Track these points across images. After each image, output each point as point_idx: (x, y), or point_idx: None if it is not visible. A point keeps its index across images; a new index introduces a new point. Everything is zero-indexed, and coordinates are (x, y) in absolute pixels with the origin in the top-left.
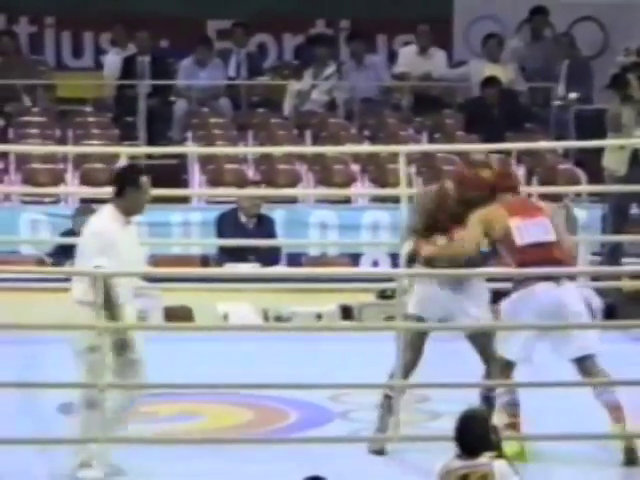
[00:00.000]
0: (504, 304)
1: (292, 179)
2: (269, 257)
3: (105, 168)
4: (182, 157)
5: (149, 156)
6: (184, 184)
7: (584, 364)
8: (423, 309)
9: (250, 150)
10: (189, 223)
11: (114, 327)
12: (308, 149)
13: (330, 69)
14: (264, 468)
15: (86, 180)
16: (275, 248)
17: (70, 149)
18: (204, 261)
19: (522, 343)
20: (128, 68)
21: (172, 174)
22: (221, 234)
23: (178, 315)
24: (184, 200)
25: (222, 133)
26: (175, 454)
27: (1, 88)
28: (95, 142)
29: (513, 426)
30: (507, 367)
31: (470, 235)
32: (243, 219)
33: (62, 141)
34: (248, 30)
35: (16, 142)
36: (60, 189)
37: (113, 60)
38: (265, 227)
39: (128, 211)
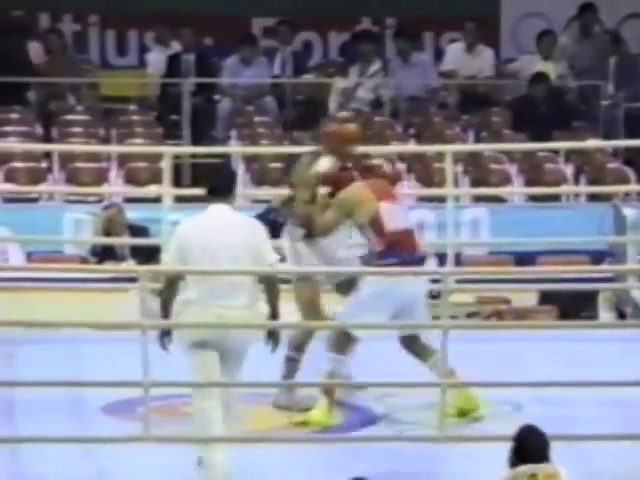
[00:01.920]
0: (365, 283)
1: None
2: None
3: (149, 167)
4: (226, 156)
5: (193, 155)
6: None
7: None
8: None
9: (294, 150)
10: None
11: (159, 325)
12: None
13: (376, 67)
14: (309, 469)
15: (130, 179)
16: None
17: (114, 148)
18: None
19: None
20: (172, 66)
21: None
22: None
23: None
24: None
25: (267, 132)
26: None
27: (46, 87)
28: (139, 141)
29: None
30: (349, 341)
31: (330, 219)
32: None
33: (106, 140)
34: (293, 28)
35: (60, 141)
36: (104, 188)
37: (157, 58)
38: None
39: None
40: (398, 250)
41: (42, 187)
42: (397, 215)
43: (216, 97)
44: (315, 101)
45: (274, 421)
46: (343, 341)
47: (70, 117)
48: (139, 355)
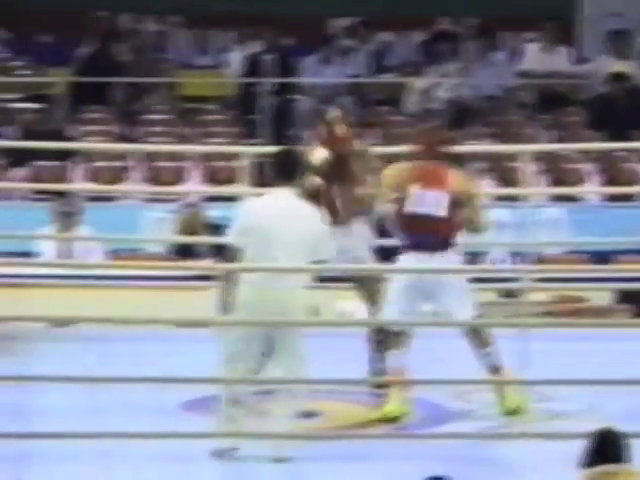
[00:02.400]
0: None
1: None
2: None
3: (228, 166)
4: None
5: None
6: None
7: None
8: None
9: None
10: None
11: (231, 323)
12: None
13: (454, 66)
14: (385, 467)
15: (209, 178)
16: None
17: (193, 147)
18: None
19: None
20: (252, 66)
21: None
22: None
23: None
24: None
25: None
26: (296, 451)
27: (127, 87)
28: (218, 140)
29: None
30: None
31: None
32: None
33: (186, 139)
34: (372, 28)
35: (141, 141)
36: (183, 187)
37: (237, 58)
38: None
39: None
40: (410, 233)
41: (123, 186)
42: (424, 200)
43: (295, 97)
44: (393, 100)
45: (351, 418)
46: (391, 339)
47: (151, 117)
48: (218, 352)
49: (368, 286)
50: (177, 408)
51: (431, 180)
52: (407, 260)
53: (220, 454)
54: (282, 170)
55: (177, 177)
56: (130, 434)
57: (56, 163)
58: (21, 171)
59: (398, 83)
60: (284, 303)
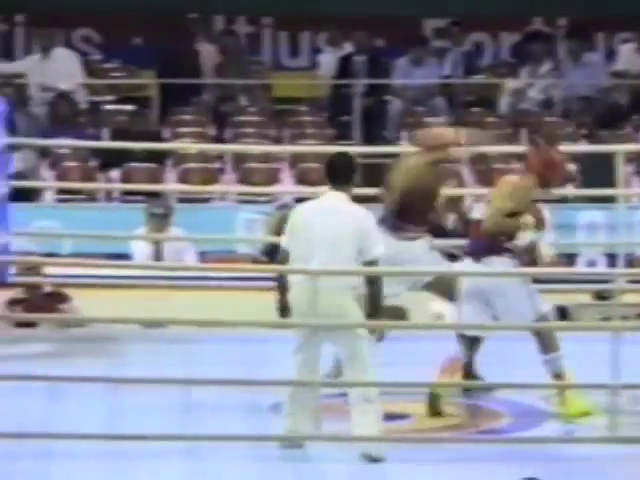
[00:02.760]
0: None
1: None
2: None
3: (320, 167)
4: (397, 156)
5: (364, 156)
6: None
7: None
8: None
9: (464, 150)
10: None
11: (327, 325)
12: (523, 148)
13: (546, 67)
14: (477, 469)
15: (301, 180)
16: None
17: (286, 148)
18: None
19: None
20: (344, 67)
21: (387, 174)
22: None
23: (393, 314)
24: None
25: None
26: (387, 454)
27: (219, 88)
28: (310, 142)
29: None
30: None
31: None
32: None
33: (278, 141)
34: (465, 28)
35: (233, 142)
36: (275, 188)
37: (329, 59)
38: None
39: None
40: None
41: (215, 187)
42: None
43: (387, 98)
44: (485, 101)
45: (442, 420)
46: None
47: (243, 118)
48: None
49: (440, 287)
50: (265, 410)
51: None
52: (464, 266)
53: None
54: (334, 174)
55: (269, 178)
56: (220, 436)
57: (149, 165)
58: (114, 173)
59: (490, 84)
60: (323, 304)
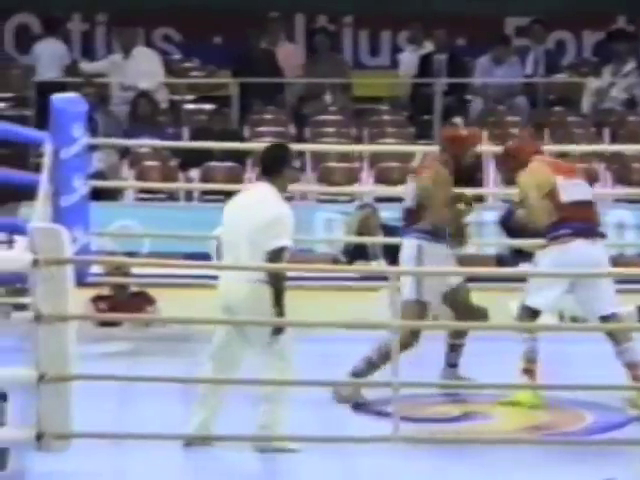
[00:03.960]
0: (540, 257)
1: (589, 178)
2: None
3: (400, 167)
4: (478, 155)
5: None
6: (479, 183)
7: (609, 323)
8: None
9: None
10: (483, 222)
11: (409, 325)
12: (606, 147)
13: (630, 66)
14: (557, 470)
15: (381, 179)
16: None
17: (366, 147)
18: (499, 260)
19: (553, 295)
20: (424, 66)
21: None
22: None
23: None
24: (479, 199)
25: (518, 132)
26: (466, 454)
27: (301, 87)
28: (390, 141)
29: (529, 373)
30: (532, 315)
31: (539, 206)
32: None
33: (358, 140)
34: (547, 27)
35: (312, 141)
36: (355, 188)
37: (409, 58)
38: None
39: (283, 191)
40: (571, 221)
41: (295, 186)
42: (573, 188)
43: (468, 97)
44: (567, 101)
45: (524, 421)
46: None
47: (323, 117)
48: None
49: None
50: (349, 409)
51: (567, 171)
52: (577, 247)
53: None
54: (264, 165)
55: (348, 178)
56: (300, 438)
57: (228, 164)
58: (194, 172)
59: (572, 83)
60: (228, 297)
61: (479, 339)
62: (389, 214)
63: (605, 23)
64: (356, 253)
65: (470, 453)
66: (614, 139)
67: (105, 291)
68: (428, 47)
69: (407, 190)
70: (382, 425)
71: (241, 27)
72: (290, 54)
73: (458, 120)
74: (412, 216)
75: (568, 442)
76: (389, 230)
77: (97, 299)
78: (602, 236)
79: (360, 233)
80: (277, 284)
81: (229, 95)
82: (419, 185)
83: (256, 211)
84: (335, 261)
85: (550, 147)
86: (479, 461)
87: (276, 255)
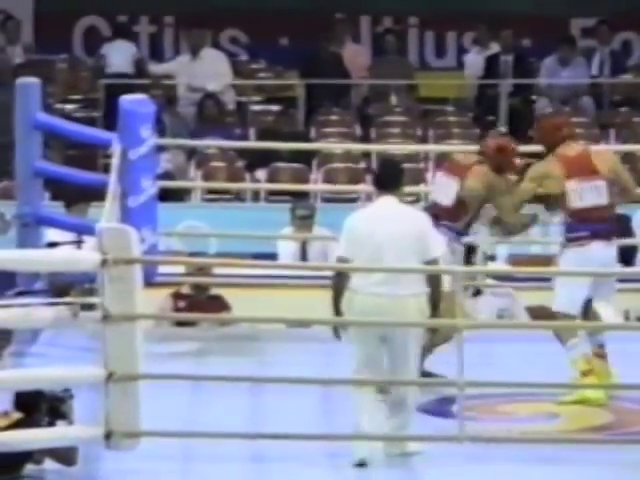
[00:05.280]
0: (560, 259)
1: None
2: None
3: None
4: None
5: None
6: None
7: None
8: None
9: (612, 148)
10: (547, 223)
11: (471, 325)
12: None
13: None
14: (623, 470)
15: None
16: (632, 247)
17: (431, 148)
18: None
19: (580, 297)
20: (490, 67)
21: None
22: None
23: (539, 315)
24: None
25: (584, 132)
26: (534, 455)
27: (367, 88)
28: (456, 142)
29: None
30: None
31: (523, 188)
32: None
33: (423, 141)
34: (613, 28)
35: (378, 142)
36: (421, 188)
37: (475, 59)
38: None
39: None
40: (588, 222)
41: (360, 187)
42: (585, 193)
43: (533, 97)
44: (633, 101)
45: (591, 420)
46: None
47: (388, 118)
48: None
49: None
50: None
51: (584, 172)
52: (596, 249)
53: None
54: (384, 179)
55: (414, 178)
56: (362, 436)
57: (295, 165)
58: (260, 173)
59: (638, 84)
60: (398, 312)
61: (536, 340)
62: None
63: None
64: None
65: (537, 453)
66: None
67: (185, 289)
68: (494, 48)
69: (440, 187)
70: (449, 425)
71: (307, 28)
72: (356, 55)
73: (502, 129)
74: (448, 214)
75: (635, 442)
76: None
77: (176, 296)
78: (617, 236)
79: None
80: (437, 293)
81: (295, 96)
82: (469, 186)
83: (403, 223)
84: None
85: (616, 147)
86: (546, 461)
87: (435, 265)
